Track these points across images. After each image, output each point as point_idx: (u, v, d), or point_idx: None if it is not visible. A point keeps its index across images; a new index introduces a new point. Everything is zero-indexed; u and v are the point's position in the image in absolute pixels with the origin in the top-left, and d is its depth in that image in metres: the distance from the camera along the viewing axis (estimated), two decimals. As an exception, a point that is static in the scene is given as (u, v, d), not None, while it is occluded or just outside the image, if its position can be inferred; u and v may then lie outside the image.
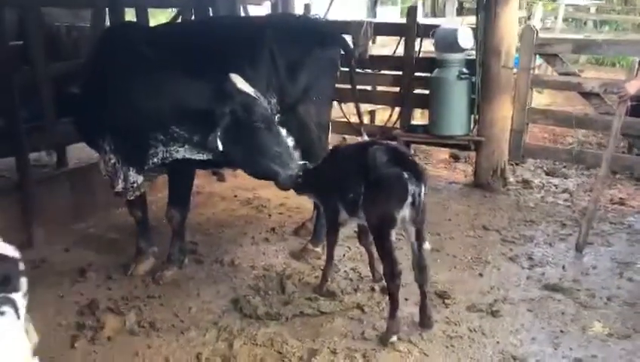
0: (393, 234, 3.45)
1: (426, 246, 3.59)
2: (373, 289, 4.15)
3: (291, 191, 4.95)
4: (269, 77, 4.28)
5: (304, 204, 5.23)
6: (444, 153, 7.66)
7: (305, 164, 3.80)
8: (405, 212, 3.41)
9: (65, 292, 4.12)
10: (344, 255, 4.70)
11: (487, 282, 4.30)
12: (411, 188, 3.36)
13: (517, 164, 6.87)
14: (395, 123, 7.00)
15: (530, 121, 6.49)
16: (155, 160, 3.99)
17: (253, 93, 3.67)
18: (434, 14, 18.47)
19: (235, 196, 6.08)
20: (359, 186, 3.50)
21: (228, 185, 6.43)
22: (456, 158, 7.56)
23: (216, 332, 3.63)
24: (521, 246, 4.89)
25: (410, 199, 3.38)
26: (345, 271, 4.43)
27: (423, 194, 3.43)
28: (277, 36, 4.34)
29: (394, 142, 4.51)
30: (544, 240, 5.03)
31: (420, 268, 3.60)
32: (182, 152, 3.94)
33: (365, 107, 7.93)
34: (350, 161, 3.69)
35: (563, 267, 4.52)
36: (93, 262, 4.55)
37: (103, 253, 4.72)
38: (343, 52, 4.92)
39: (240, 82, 3.64)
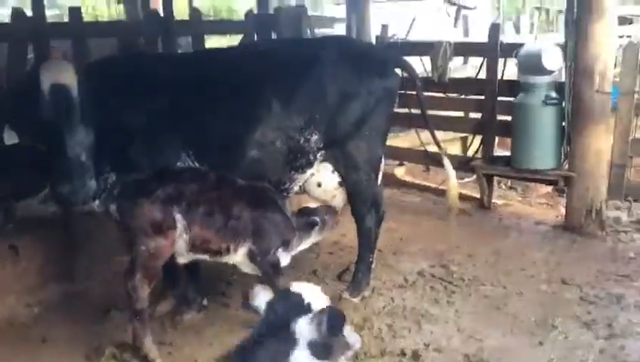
0: None
1: None
2: (403, 354, 3.58)
3: (349, 229, 4.59)
4: (312, 110, 3.90)
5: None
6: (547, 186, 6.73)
7: None
8: None
9: (83, 331, 4.00)
10: (384, 307, 4.17)
11: (547, 354, 3.56)
12: None
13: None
14: (475, 152, 6.30)
15: (635, 154, 5.48)
16: None
17: None
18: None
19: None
20: None
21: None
22: (561, 193, 6.60)
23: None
24: (602, 309, 4.04)
25: None
26: (378, 329, 3.89)
27: None
28: (328, 63, 3.96)
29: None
30: (635, 302, 4.11)
31: None
32: None
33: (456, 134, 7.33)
34: None
35: (651, 342, 3.61)
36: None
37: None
38: (407, 76, 4.47)
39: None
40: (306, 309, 2.16)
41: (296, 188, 4.22)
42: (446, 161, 4.56)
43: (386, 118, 4.24)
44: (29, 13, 4.89)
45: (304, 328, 2.12)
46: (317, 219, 3.88)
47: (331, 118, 3.96)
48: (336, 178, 4.21)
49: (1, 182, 4.55)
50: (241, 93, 3.83)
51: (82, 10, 5.44)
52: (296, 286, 2.30)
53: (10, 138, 3.64)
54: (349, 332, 2.26)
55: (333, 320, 2.15)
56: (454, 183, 4.53)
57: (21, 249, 4.57)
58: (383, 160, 4.47)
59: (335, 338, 2.19)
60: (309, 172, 4.13)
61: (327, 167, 4.18)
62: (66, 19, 5.26)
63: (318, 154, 4.06)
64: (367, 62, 4.15)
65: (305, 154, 3.99)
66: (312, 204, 4.10)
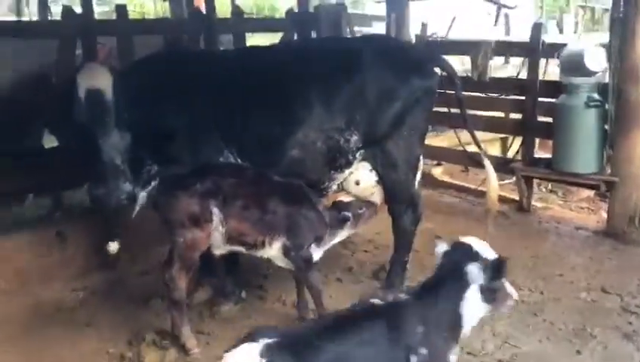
0: None
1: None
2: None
3: (385, 227, 4.59)
4: (351, 110, 3.92)
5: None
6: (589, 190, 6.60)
7: None
8: None
9: (126, 317, 4.14)
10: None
11: (585, 362, 3.49)
12: None
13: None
14: (515, 154, 6.22)
15: (682, 159, 5.30)
16: None
17: None
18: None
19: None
20: None
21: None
22: (603, 197, 6.46)
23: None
24: (644, 319, 3.94)
25: None
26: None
27: None
28: (369, 62, 3.96)
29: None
30: (679, 313, 4.00)
31: None
32: None
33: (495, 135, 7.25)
34: None
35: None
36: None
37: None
38: (445, 75, 4.45)
39: None
40: (475, 257, 2.46)
41: (334, 187, 4.26)
42: (487, 162, 4.50)
43: (425, 117, 4.23)
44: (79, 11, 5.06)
45: (475, 272, 2.44)
46: (349, 214, 3.90)
47: (371, 118, 3.96)
48: (374, 176, 4.22)
49: (50, 172, 4.74)
50: (282, 93, 3.88)
51: (129, 8, 5.58)
52: (466, 239, 2.61)
53: (50, 141, 3.74)
54: (509, 286, 2.58)
55: (499, 268, 2.45)
56: (495, 185, 4.46)
57: (68, 236, 4.74)
58: (421, 159, 4.47)
59: (499, 284, 2.50)
60: (347, 171, 4.16)
61: (365, 166, 4.20)
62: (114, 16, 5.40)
63: (357, 154, 4.08)
64: (406, 62, 4.14)
65: (344, 154, 4.02)
66: (346, 198, 4.12)
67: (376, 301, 2.48)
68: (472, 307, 2.49)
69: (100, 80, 3.54)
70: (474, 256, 2.47)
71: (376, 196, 4.27)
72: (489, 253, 2.51)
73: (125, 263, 4.92)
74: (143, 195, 3.62)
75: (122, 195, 3.68)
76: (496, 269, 2.46)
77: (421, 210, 4.48)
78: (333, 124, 3.89)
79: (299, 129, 3.84)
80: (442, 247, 2.59)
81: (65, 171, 4.65)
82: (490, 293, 2.49)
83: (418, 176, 4.44)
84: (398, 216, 4.31)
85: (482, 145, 4.71)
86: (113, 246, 3.65)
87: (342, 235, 4.04)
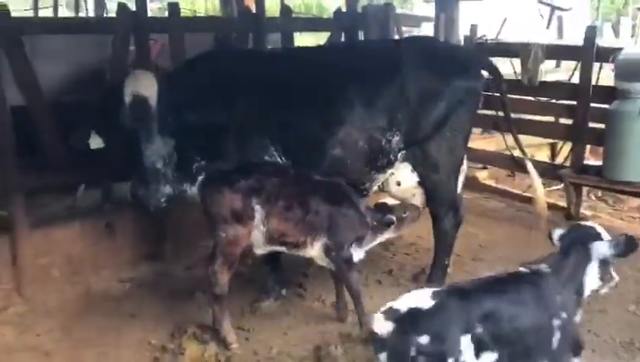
0: None
1: None
2: None
3: (427, 230, 4.56)
4: (393, 110, 3.93)
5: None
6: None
7: None
8: None
9: (169, 310, 4.24)
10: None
11: (632, 379, 3.38)
12: None
13: None
14: (564, 160, 6.06)
15: None
16: None
17: None
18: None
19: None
20: None
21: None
22: (658, 208, 6.26)
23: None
24: (697, 337, 3.78)
25: None
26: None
27: None
28: (411, 63, 3.97)
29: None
30: None
31: None
32: None
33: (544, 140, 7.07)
34: None
35: None
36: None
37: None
38: (491, 78, 4.41)
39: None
40: (598, 236, 2.77)
41: (375, 188, 4.26)
42: (531, 169, 4.41)
43: (468, 119, 4.20)
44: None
45: (599, 249, 2.73)
46: (393, 217, 3.89)
47: (413, 119, 3.96)
48: (415, 177, 4.20)
49: (100, 165, 4.88)
50: (324, 92, 3.91)
51: (181, 6, 5.69)
52: (586, 223, 3.04)
53: (97, 143, 3.90)
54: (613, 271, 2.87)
55: (630, 244, 2.71)
56: (541, 192, 4.36)
57: (116, 227, 4.89)
58: (464, 162, 4.42)
59: (610, 267, 2.80)
60: (389, 171, 4.16)
61: (407, 166, 4.18)
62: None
63: (399, 155, 4.08)
64: (449, 63, 4.12)
65: (386, 155, 4.02)
66: (390, 201, 4.10)
67: (523, 269, 2.81)
68: (591, 280, 2.78)
69: (145, 88, 3.65)
70: (597, 236, 2.77)
71: (418, 198, 4.25)
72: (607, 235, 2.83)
73: (172, 256, 5.05)
74: (192, 190, 3.69)
75: (162, 198, 3.83)
76: (628, 245, 2.71)
77: (462, 213, 4.44)
78: (374, 124, 3.91)
79: (340, 128, 3.86)
80: (558, 232, 2.88)
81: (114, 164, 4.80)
82: (604, 271, 2.79)
83: (461, 179, 4.40)
84: (439, 218, 4.27)
85: (527, 151, 4.63)
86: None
87: (384, 237, 4.03)
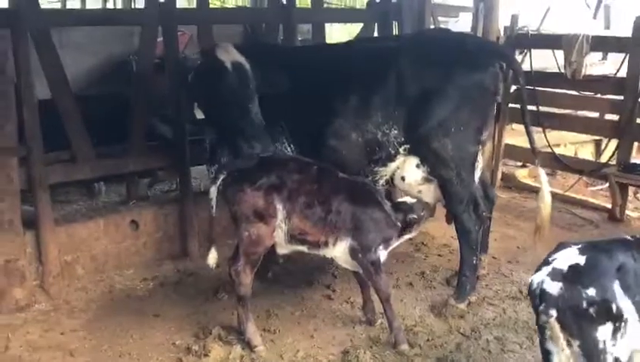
0: None
1: None
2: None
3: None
4: (387, 106, 3.93)
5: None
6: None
7: None
8: None
9: (193, 310, 4.14)
10: (494, 319, 3.93)
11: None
12: None
13: None
14: (610, 158, 5.74)
15: None
16: None
17: None
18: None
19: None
20: None
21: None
22: None
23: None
24: None
25: None
26: (486, 340, 3.67)
27: None
28: (408, 58, 3.95)
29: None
30: None
31: None
32: None
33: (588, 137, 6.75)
34: None
35: None
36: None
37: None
38: (511, 70, 4.22)
39: None
40: None
41: (381, 182, 4.17)
42: (542, 174, 4.17)
43: (476, 112, 4.01)
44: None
45: None
46: (416, 216, 3.72)
47: (411, 112, 3.90)
48: (420, 172, 4.06)
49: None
50: (326, 87, 4.00)
51: (210, -3, 5.59)
52: None
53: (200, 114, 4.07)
54: None
55: None
56: (549, 201, 4.11)
57: (141, 225, 4.81)
58: (479, 157, 4.21)
59: None
60: (392, 165, 4.07)
61: (412, 161, 4.06)
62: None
63: (401, 149, 4.00)
64: (454, 56, 3.98)
65: (384, 148, 3.98)
66: (408, 199, 3.93)
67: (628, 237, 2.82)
68: None
69: (238, 55, 3.98)
70: None
71: (426, 194, 4.08)
72: None
73: (197, 255, 4.95)
74: (213, 189, 3.58)
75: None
76: None
77: (483, 209, 4.25)
78: (368, 118, 3.93)
79: (334, 120, 3.96)
80: None
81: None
82: None
83: (477, 175, 4.22)
84: (458, 216, 4.12)
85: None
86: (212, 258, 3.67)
87: (406, 238, 3.87)
